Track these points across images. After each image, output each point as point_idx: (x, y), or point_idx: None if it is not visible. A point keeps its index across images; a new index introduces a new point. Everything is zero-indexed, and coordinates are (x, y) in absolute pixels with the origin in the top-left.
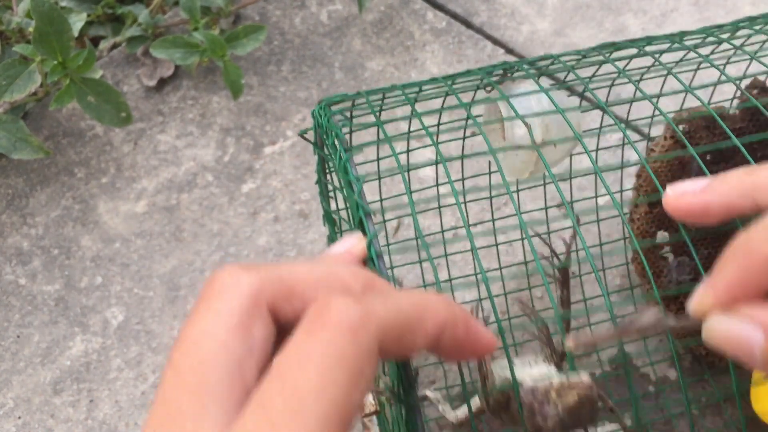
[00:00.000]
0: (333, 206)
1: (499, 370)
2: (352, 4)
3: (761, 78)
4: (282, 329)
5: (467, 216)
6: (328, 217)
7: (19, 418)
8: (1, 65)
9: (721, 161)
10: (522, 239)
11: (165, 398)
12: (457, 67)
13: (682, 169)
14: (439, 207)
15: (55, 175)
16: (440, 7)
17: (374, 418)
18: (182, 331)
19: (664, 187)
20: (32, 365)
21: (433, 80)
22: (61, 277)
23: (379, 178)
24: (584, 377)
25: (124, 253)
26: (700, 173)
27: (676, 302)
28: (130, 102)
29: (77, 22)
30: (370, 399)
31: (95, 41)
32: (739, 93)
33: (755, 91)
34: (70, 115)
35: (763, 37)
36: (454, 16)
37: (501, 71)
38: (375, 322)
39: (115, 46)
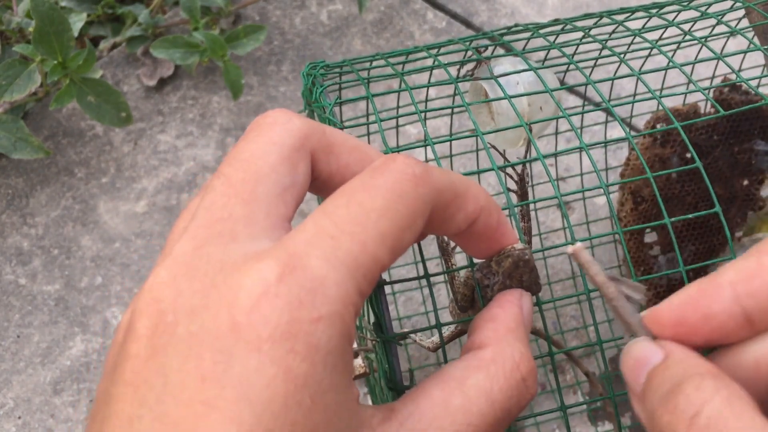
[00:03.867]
0: None
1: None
2: (352, 4)
3: (732, 77)
4: (315, 182)
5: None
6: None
7: (19, 418)
8: (1, 65)
9: (700, 156)
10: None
11: (213, 204)
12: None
13: (662, 166)
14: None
15: (55, 175)
16: (440, 7)
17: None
18: (233, 151)
19: (646, 185)
20: (32, 365)
21: (416, 49)
22: (61, 277)
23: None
24: (518, 244)
25: (124, 253)
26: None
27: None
28: (130, 102)
29: (77, 22)
30: (359, 361)
31: (95, 41)
32: (713, 88)
33: (726, 89)
34: (70, 115)
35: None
36: (454, 16)
37: (482, 47)
38: (433, 182)
39: (115, 46)
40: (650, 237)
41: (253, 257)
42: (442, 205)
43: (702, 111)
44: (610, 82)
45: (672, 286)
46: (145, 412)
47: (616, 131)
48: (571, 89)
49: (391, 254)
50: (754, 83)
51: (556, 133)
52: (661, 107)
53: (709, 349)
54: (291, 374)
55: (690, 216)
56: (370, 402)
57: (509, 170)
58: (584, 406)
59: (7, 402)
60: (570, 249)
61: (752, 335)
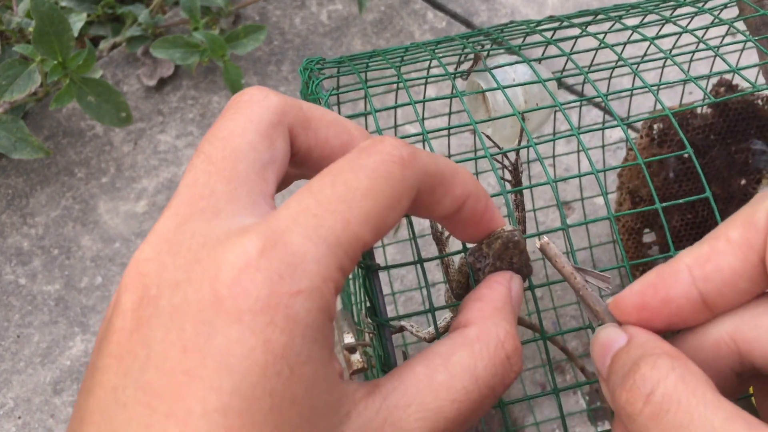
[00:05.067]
0: None
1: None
2: (352, 4)
3: (727, 77)
4: (294, 157)
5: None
6: None
7: (19, 418)
8: (1, 65)
9: (697, 156)
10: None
11: (195, 181)
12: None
13: (659, 166)
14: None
15: (55, 175)
16: (440, 7)
17: None
18: (211, 130)
19: (644, 184)
20: (32, 365)
21: (414, 45)
22: (61, 277)
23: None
24: (508, 226)
25: (124, 253)
26: (677, 168)
27: None
28: (130, 102)
29: (77, 22)
30: (357, 356)
31: (95, 41)
32: (709, 88)
33: (722, 89)
34: (70, 115)
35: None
36: (454, 15)
37: (479, 45)
38: (420, 165)
39: (115, 46)
40: (649, 237)
41: (236, 232)
42: (428, 188)
43: (699, 111)
44: (608, 79)
45: None
46: (129, 382)
47: (614, 132)
48: (570, 89)
49: (373, 233)
50: (750, 80)
51: (554, 133)
52: (658, 109)
53: (675, 333)
54: (270, 345)
55: (681, 201)
56: None
57: (504, 161)
58: (584, 405)
59: (7, 402)
60: (537, 243)
61: (711, 318)
